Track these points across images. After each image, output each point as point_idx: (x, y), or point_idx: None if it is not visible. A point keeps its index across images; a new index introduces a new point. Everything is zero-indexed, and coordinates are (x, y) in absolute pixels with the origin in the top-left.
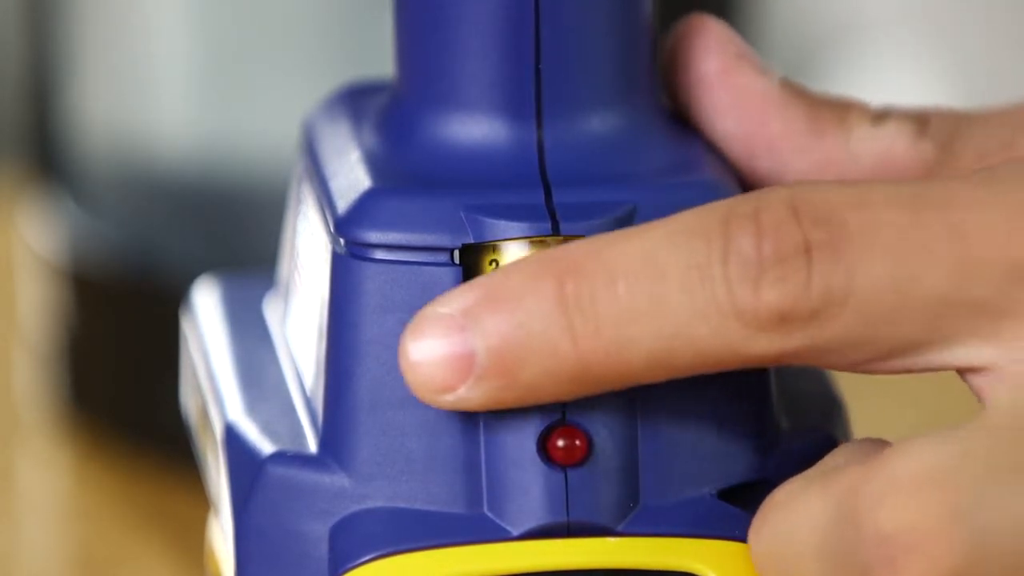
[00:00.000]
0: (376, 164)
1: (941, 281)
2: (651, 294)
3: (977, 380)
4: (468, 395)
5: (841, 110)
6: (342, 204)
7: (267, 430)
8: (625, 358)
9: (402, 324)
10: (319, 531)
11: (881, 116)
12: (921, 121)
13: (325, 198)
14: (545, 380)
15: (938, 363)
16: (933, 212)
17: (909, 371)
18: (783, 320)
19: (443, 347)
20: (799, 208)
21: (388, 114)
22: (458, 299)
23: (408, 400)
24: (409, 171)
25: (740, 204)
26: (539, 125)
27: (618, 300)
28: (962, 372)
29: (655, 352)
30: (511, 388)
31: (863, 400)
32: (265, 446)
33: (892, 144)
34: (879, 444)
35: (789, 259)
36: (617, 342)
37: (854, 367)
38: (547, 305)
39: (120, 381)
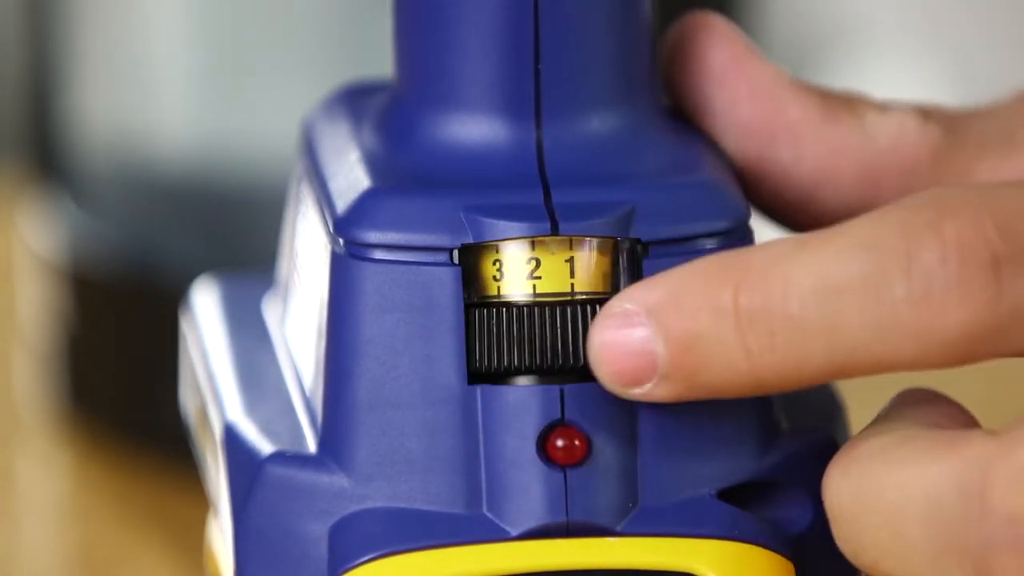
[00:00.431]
0: (375, 164)
1: None
2: (826, 312)
3: None
4: (656, 392)
5: (848, 99)
6: (341, 204)
7: (266, 430)
8: (800, 372)
9: (402, 324)
10: (318, 531)
11: (885, 106)
12: (923, 111)
13: (324, 198)
14: (723, 385)
15: None
16: None
17: None
18: (969, 339)
19: (628, 344)
20: (984, 218)
21: (387, 114)
22: (643, 296)
23: (407, 400)
24: (408, 171)
25: (920, 212)
26: (538, 125)
27: (791, 317)
28: None
29: (830, 367)
30: (693, 389)
31: (863, 400)
32: (264, 446)
33: (902, 127)
34: (957, 405)
35: (977, 276)
36: (792, 358)
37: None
38: (722, 318)
39: (120, 381)
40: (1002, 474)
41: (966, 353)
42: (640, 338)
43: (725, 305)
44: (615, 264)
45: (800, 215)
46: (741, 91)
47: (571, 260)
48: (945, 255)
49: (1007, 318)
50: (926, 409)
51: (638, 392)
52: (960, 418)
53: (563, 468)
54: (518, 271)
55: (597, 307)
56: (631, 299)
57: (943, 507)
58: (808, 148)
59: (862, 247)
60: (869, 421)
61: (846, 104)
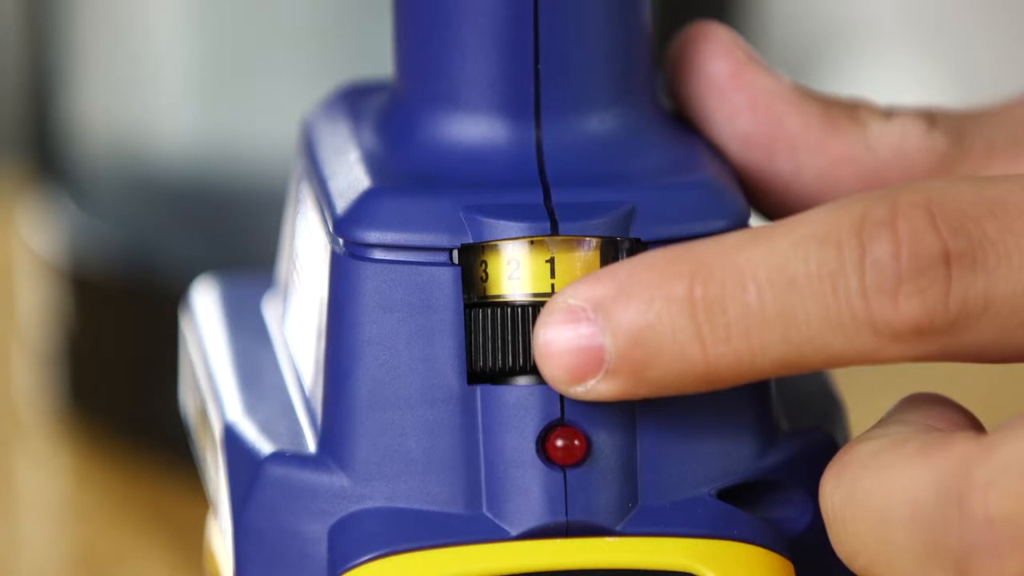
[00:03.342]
0: (375, 164)
1: None
2: (781, 303)
3: None
4: (599, 388)
5: (851, 107)
6: (341, 204)
7: (266, 430)
8: (754, 364)
9: (401, 324)
10: (318, 531)
11: (889, 112)
12: (928, 116)
13: (324, 198)
14: (673, 380)
15: None
16: None
17: None
18: (920, 332)
19: (572, 340)
20: (936, 214)
21: (387, 114)
22: (588, 290)
23: (407, 400)
24: (408, 171)
25: (873, 207)
26: (538, 125)
27: (748, 308)
28: None
29: (784, 359)
30: (641, 384)
31: (863, 400)
32: (264, 446)
33: (905, 136)
34: (959, 408)
35: (928, 269)
36: (747, 350)
37: (981, 361)
38: (676, 308)
39: (120, 381)
40: (981, 477)
41: (918, 346)
42: (585, 334)
43: (680, 295)
44: None
45: None
46: (740, 103)
47: (571, 260)
48: (897, 249)
49: (958, 312)
50: (924, 412)
51: (581, 390)
52: (960, 421)
53: (563, 468)
54: (518, 271)
55: None
56: (575, 294)
57: (925, 511)
58: (809, 160)
59: (817, 240)
60: (869, 421)
61: (849, 113)
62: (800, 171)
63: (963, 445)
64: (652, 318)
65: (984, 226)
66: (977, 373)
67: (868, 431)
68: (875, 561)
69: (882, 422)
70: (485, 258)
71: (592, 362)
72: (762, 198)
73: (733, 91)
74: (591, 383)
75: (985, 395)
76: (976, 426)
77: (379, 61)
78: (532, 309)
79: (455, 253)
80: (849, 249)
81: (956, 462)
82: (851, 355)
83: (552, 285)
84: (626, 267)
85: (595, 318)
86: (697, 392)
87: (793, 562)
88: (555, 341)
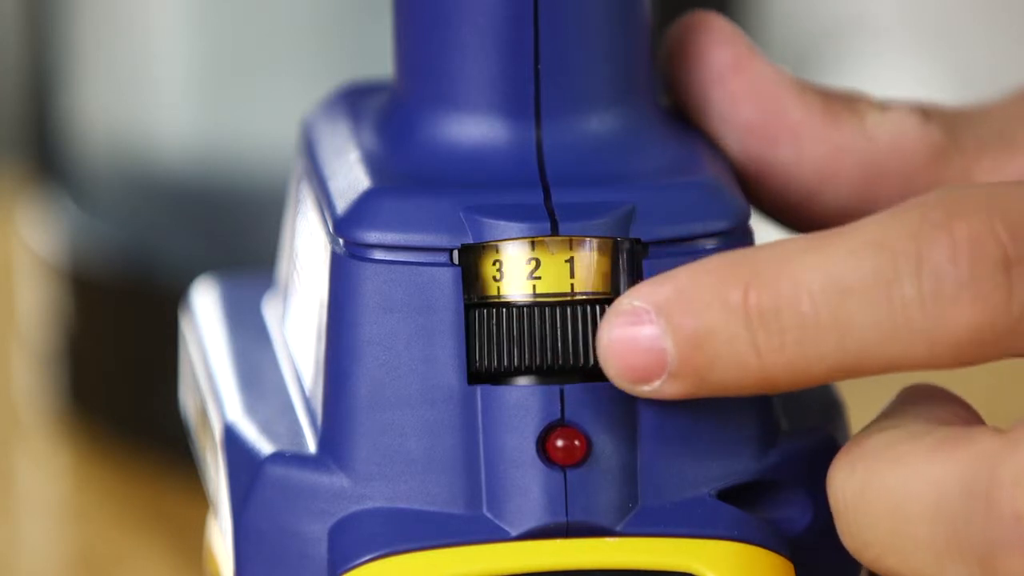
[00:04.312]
0: (375, 164)
1: None
2: (836, 312)
3: None
4: (664, 389)
5: (849, 98)
6: (341, 204)
7: (266, 430)
8: (810, 372)
9: (401, 324)
10: (318, 531)
11: (886, 105)
12: (923, 110)
13: (324, 198)
14: (733, 383)
15: None
16: None
17: None
18: (978, 339)
19: (637, 341)
20: (995, 218)
21: (387, 114)
22: (651, 294)
23: (407, 400)
24: (408, 171)
25: (930, 211)
26: (538, 125)
27: (802, 316)
28: None
29: (840, 367)
30: (702, 386)
31: (863, 400)
32: (264, 446)
33: (903, 127)
34: (960, 401)
35: (987, 276)
36: (802, 357)
37: None
38: (732, 315)
39: (119, 381)
40: (1008, 472)
41: (976, 353)
42: (649, 335)
43: (735, 303)
44: (615, 264)
45: (801, 215)
46: (742, 91)
47: (571, 260)
48: (955, 255)
49: (1018, 318)
50: (932, 405)
51: (647, 389)
52: (965, 415)
53: (563, 468)
54: (518, 271)
55: (597, 307)
56: (639, 296)
57: (948, 505)
58: (809, 148)
59: (872, 247)
60: (869, 421)
61: (847, 104)
62: (801, 160)
63: (987, 440)
64: (710, 323)
65: None
66: (981, 370)
67: (876, 422)
68: (888, 553)
69: (887, 414)
70: (486, 258)
71: (655, 364)
72: (762, 187)
73: (735, 79)
74: (656, 384)
75: (986, 394)
76: (979, 420)
77: (379, 61)
78: (533, 309)
79: (455, 253)
80: (905, 255)
81: (981, 457)
82: (909, 363)
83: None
84: (687, 271)
85: (657, 320)
86: (760, 394)
87: (793, 562)
88: (618, 341)
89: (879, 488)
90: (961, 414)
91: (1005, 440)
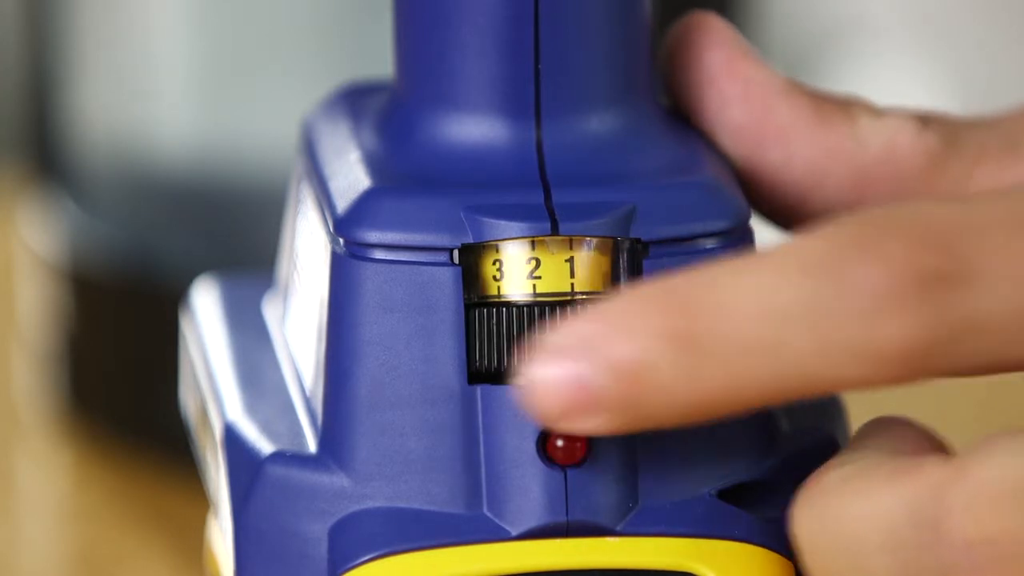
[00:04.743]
0: (375, 164)
1: None
2: (764, 334)
3: None
4: (589, 424)
5: (844, 103)
6: (342, 204)
7: (266, 430)
8: (741, 395)
9: (402, 324)
10: (318, 531)
11: (883, 111)
12: (923, 118)
13: (325, 198)
14: (664, 413)
15: None
16: None
17: None
18: (910, 356)
19: (562, 377)
20: (917, 234)
21: (388, 114)
22: (577, 328)
23: (407, 400)
24: (409, 171)
25: (859, 230)
26: (538, 125)
27: (731, 340)
28: None
29: (772, 390)
30: (631, 419)
31: (863, 400)
32: (264, 446)
33: (897, 133)
34: (922, 430)
35: (913, 291)
36: (733, 381)
37: (978, 376)
38: (664, 342)
39: (120, 381)
40: (956, 500)
41: (907, 370)
42: (575, 371)
43: (667, 330)
44: (615, 264)
45: (792, 216)
46: (732, 92)
47: (571, 260)
48: (884, 273)
49: (947, 334)
50: (890, 436)
51: (577, 427)
52: (926, 443)
53: (563, 468)
54: (518, 271)
55: None
56: (565, 333)
57: (899, 536)
58: (798, 151)
59: (801, 268)
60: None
61: (841, 108)
62: (790, 162)
63: (935, 468)
64: (640, 353)
65: (972, 245)
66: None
67: (835, 458)
68: None
69: (850, 447)
70: (486, 258)
71: (584, 399)
72: (753, 189)
73: (726, 81)
74: (586, 419)
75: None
76: (943, 449)
77: (379, 61)
78: (533, 309)
79: (456, 253)
80: (834, 275)
81: (929, 486)
82: (843, 383)
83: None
84: (615, 304)
85: (584, 354)
86: (692, 424)
87: (793, 562)
88: (545, 379)
89: (835, 523)
90: (921, 442)
91: (952, 467)
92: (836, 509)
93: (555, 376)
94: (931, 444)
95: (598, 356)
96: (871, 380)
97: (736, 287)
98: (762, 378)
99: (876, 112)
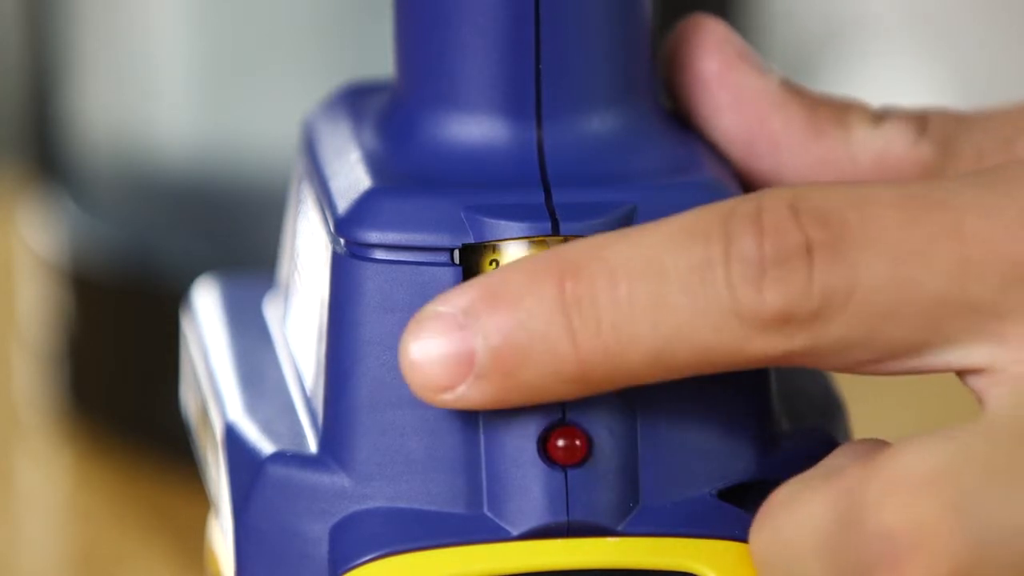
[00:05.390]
0: (376, 164)
1: (941, 282)
2: (651, 294)
3: (977, 381)
4: (468, 394)
5: (840, 110)
6: (342, 204)
7: (267, 430)
8: (625, 358)
9: (402, 324)
10: (319, 531)
11: (880, 117)
12: (920, 122)
13: (325, 198)
14: (545, 380)
15: (938, 364)
16: (932, 213)
17: (909, 372)
18: (785, 320)
19: (443, 346)
20: (800, 208)
21: (388, 114)
22: (458, 298)
23: (408, 400)
24: (409, 171)
25: (740, 204)
26: (539, 125)
27: (618, 301)
28: (962, 373)
29: (655, 352)
30: (511, 388)
31: (863, 400)
32: (265, 446)
33: (891, 144)
34: (879, 444)
35: (790, 259)
36: (617, 342)
37: (854, 368)
38: (547, 305)
39: (120, 381)
40: (871, 493)
41: (785, 338)
42: (454, 339)
43: (549, 293)
44: None
45: None
46: (725, 99)
47: None
48: (760, 240)
49: (820, 301)
50: (842, 451)
51: (450, 398)
52: (873, 454)
53: (564, 468)
54: None
55: None
56: (444, 302)
57: (829, 538)
58: (789, 160)
59: (686, 233)
60: (869, 421)
61: (836, 115)
62: (780, 171)
63: (854, 470)
64: (522, 316)
65: (847, 218)
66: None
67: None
68: None
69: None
70: (486, 258)
71: (461, 368)
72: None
73: (719, 88)
74: (460, 389)
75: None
76: None
77: (379, 61)
78: None
79: (456, 253)
80: (716, 241)
81: (849, 486)
82: (720, 347)
83: None
84: (497, 273)
85: (465, 323)
86: (569, 397)
87: None
88: (422, 349)
89: (778, 536)
90: (868, 455)
91: (868, 466)
92: (777, 522)
93: (432, 346)
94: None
95: (477, 322)
96: (750, 347)
97: (622, 249)
98: (644, 339)
99: (872, 118)
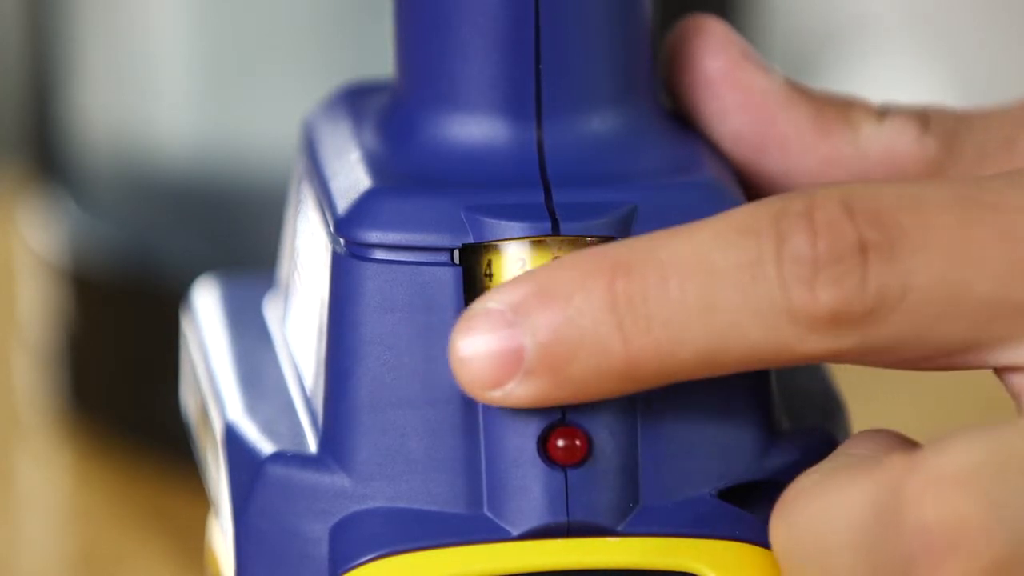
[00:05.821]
0: (376, 164)
1: (992, 284)
2: (702, 293)
3: (1019, 380)
4: (517, 391)
5: (845, 108)
6: (342, 204)
7: (267, 430)
8: (675, 357)
9: (402, 324)
10: (319, 531)
11: (884, 113)
12: (923, 118)
13: (325, 198)
14: (594, 377)
15: (986, 362)
16: (985, 214)
17: (956, 369)
18: (837, 321)
19: (492, 342)
20: (853, 207)
21: (388, 114)
22: (507, 294)
23: (408, 400)
24: (409, 171)
25: (793, 202)
26: (539, 125)
27: (669, 299)
28: (1002, 371)
29: (706, 350)
30: (560, 385)
31: (863, 400)
32: (265, 446)
33: (896, 140)
34: (898, 436)
35: (844, 259)
36: (668, 341)
37: (903, 365)
38: (597, 302)
39: (120, 381)
40: (912, 488)
41: (836, 337)
42: (504, 336)
43: (600, 290)
44: None
45: None
46: (731, 101)
47: None
48: (814, 239)
49: (874, 301)
50: (866, 444)
51: (499, 395)
52: (898, 447)
53: (564, 468)
54: (519, 271)
55: None
56: (494, 298)
57: (864, 531)
58: (798, 160)
59: (737, 231)
60: (869, 421)
61: (841, 114)
62: (789, 171)
63: (893, 462)
64: (572, 313)
65: (900, 219)
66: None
67: (813, 467)
68: None
69: (827, 458)
70: (486, 258)
71: (510, 364)
72: (753, 196)
73: (725, 89)
74: (509, 386)
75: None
76: (912, 449)
77: (379, 61)
78: None
79: (456, 253)
80: (767, 239)
81: (888, 479)
82: (770, 346)
83: None
84: (547, 269)
85: (514, 319)
86: (618, 394)
87: None
88: (472, 346)
89: (805, 526)
90: (894, 447)
91: (909, 459)
92: (804, 514)
93: (482, 342)
94: (903, 447)
95: (527, 318)
96: (802, 346)
97: (675, 247)
98: (695, 337)
99: (877, 115)
